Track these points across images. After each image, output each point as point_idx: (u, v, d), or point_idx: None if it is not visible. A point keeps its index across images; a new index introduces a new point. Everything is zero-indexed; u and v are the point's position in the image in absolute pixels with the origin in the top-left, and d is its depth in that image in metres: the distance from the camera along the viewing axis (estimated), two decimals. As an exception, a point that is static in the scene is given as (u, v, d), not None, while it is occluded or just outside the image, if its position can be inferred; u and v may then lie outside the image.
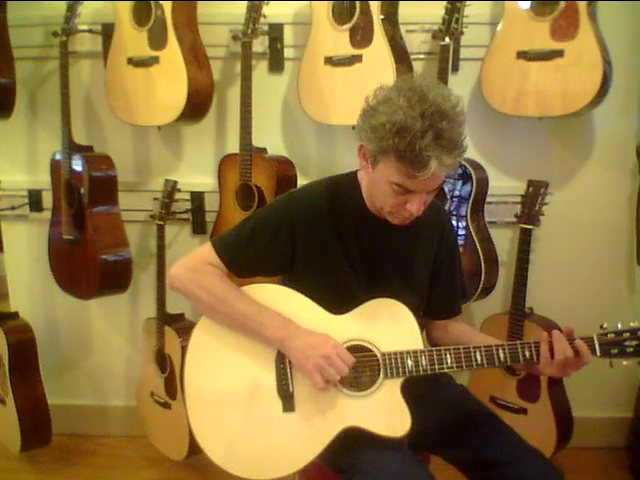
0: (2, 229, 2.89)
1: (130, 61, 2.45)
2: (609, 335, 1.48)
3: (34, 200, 2.80)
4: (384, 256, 1.66)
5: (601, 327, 1.50)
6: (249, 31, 2.33)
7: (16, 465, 2.75)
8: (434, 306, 1.76)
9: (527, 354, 1.50)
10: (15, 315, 2.72)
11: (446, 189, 2.33)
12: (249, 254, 1.63)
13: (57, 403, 2.80)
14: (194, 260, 1.65)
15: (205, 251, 1.65)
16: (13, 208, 2.75)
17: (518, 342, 1.51)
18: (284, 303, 1.61)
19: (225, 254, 1.63)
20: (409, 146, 1.36)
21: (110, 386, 2.99)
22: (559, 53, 2.17)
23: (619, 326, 1.49)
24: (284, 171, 2.44)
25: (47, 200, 2.72)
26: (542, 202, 2.24)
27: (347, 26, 2.29)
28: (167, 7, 2.37)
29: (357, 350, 1.55)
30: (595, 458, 2.66)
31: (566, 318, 2.32)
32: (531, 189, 2.26)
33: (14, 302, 2.94)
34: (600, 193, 2.57)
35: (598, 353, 1.48)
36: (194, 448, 2.31)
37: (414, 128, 1.36)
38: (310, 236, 1.60)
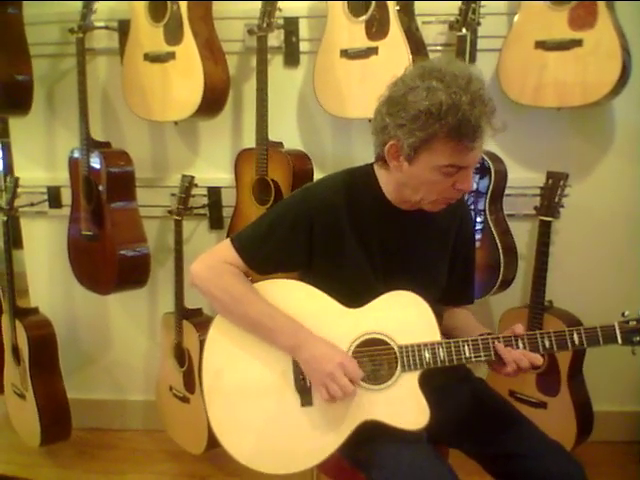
0: (21, 226, 2.92)
1: (146, 57, 2.45)
2: (631, 323, 1.46)
3: (53, 197, 2.82)
4: (403, 248, 1.64)
5: (623, 315, 1.47)
6: (264, 25, 2.33)
7: (36, 459, 2.78)
8: (447, 294, 1.74)
9: (547, 344, 1.48)
10: (35, 310, 2.74)
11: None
12: (267, 251, 1.61)
13: (76, 397, 2.82)
14: (213, 258, 1.65)
15: (224, 248, 1.64)
16: (32, 205, 2.76)
17: (537, 332, 1.49)
18: (300, 299, 1.61)
19: (243, 251, 1.62)
20: (463, 120, 1.36)
21: (129, 380, 3.01)
22: (578, 42, 2.14)
23: None
24: (300, 165, 2.43)
25: (66, 196, 2.75)
26: (562, 194, 2.22)
27: (363, 18, 2.28)
28: (183, 2, 2.36)
29: (373, 343, 1.54)
30: (615, 452, 2.63)
31: (586, 311, 2.32)
32: (550, 181, 2.24)
33: (34, 297, 2.97)
34: (620, 184, 2.54)
35: (620, 341, 1.45)
36: (212, 442, 2.30)
37: (462, 102, 1.36)
38: (328, 230, 1.59)
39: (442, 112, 1.37)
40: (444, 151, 1.42)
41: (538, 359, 1.48)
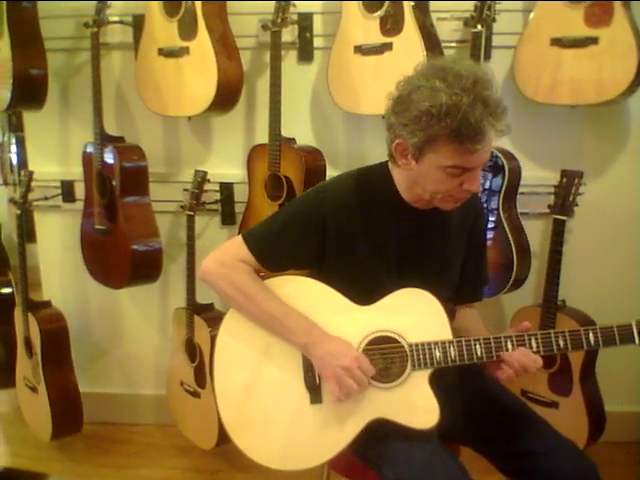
0: (35, 219, 2.93)
1: (160, 52, 2.46)
2: None
3: (67, 191, 2.83)
4: (418, 247, 1.63)
5: None
6: (278, 20, 2.32)
7: (47, 453, 2.79)
8: (457, 291, 1.73)
9: (561, 343, 1.47)
10: (48, 304, 2.76)
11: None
12: (280, 248, 1.62)
13: (88, 391, 2.84)
14: (225, 254, 1.65)
15: (236, 245, 1.64)
16: (46, 199, 2.77)
17: (552, 331, 1.48)
18: (310, 296, 1.61)
19: (256, 248, 1.62)
20: (463, 122, 1.35)
21: (140, 375, 3.02)
22: (593, 40, 2.13)
23: None
24: (313, 161, 2.43)
25: (79, 191, 2.76)
26: (576, 192, 2.20)
27: (377, 14, 2.26)
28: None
29: (384, 341, 1.54)
30: (627, 453, 2.60)
31: (599, 310, 2.30)
32: (565, 179, 2.22)
33: (47, 291, 2.98)
34: (635, 183, 2.51)
35: (637, 341, 1.43)
36: (223, 437, 2.30)
37: (462, 104, 1.34)
38: (341, 229, 1.58)
39: (442, 113, 1.36)
40: (447, 152, 1.41)
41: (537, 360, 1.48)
